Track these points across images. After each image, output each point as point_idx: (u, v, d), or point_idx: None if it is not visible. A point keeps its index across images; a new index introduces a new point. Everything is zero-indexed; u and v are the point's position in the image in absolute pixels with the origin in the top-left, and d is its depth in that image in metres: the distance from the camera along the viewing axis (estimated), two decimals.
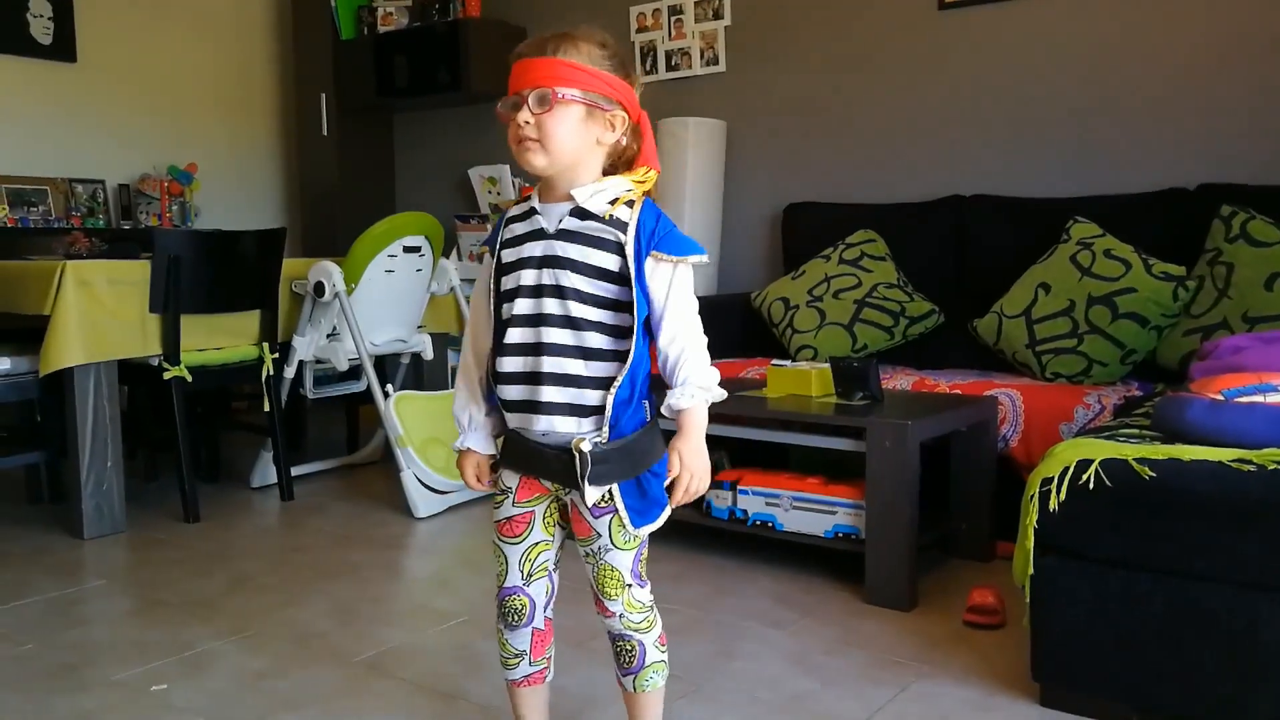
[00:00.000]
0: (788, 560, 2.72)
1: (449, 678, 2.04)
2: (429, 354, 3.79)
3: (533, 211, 1.42)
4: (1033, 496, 1.79)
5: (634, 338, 1.36)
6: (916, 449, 2.36)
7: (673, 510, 1.46)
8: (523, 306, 1.39)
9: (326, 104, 5.34)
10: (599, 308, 1.37)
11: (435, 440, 3.29)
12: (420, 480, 3.23)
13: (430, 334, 3.82)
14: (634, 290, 1.35)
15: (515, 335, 1.39)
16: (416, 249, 3.56)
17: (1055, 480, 1.77)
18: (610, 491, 1.39)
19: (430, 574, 2.80)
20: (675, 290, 1.38)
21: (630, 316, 1.36)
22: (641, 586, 1.50)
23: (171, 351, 3.12)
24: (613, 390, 1.35)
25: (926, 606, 2.38)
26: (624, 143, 1.42)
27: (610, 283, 1.36)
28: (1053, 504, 1.76)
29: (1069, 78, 3.58)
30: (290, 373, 3.52)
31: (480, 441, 1.53)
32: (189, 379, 3.16)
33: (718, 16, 4.38)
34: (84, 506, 3.01)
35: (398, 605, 2.49)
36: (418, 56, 5.03)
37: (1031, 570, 1.81)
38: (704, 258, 1.40)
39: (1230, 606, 1.64)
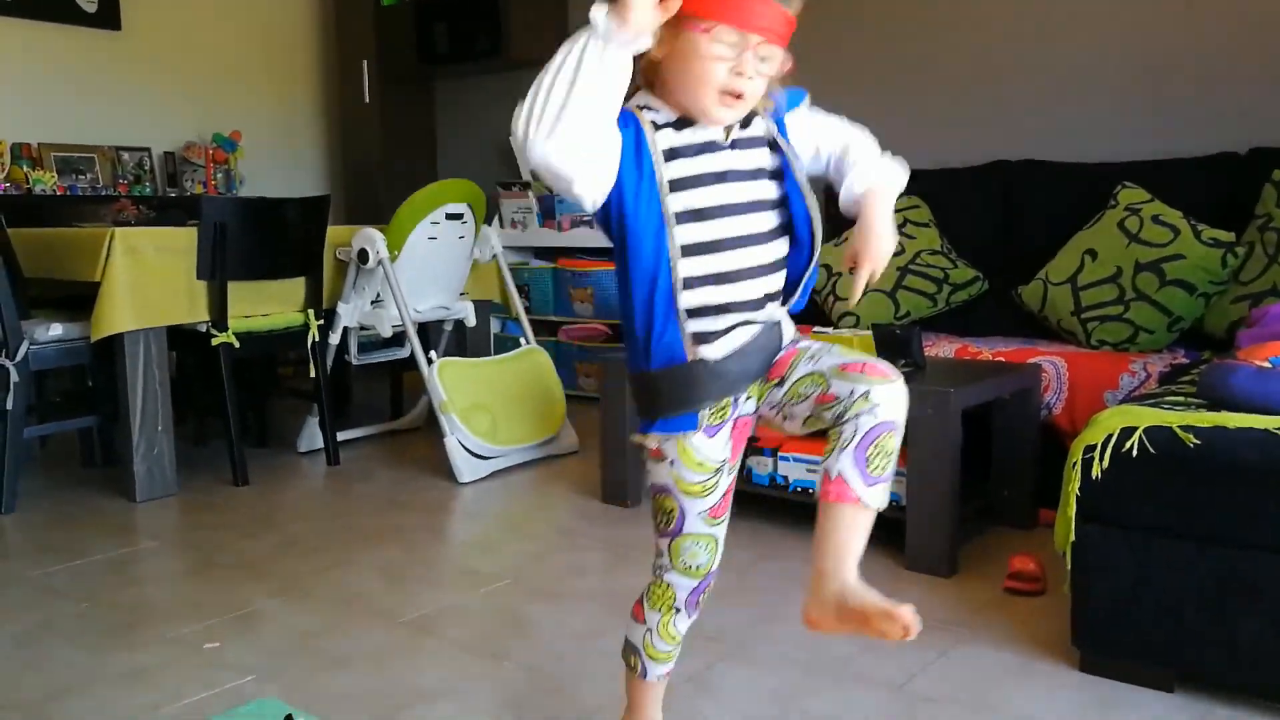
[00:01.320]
0: None
1: (495, 639, 2.08)
2: (472, 320, 3.82)
3: (686, 123, 1.23)
4: (1075, 464, 1.79)
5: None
6: (958, 416, 2.35)
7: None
8: (723, 228, 1.24)
9: (368, 71, 5.36)
10: (774, 210, 1.29)
11: (479, 406, 3.33)
12: (464, 445, 3.27)
13: (473, 301, 3.85)
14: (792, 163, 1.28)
15: (717, 261, 1.25)
16: (459, 216, 3.58)
17: (1098, 447, 1.76)
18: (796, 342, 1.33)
19: (474, 538, 2.84)
20: (814, 121, 1.34)
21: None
22: None
23: (219, 318, 3.18)
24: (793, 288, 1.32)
25: (967, 573, 2.38)
26: None
27: (774, 180, 1.29)
28: (1095, 471, 1.75)
29: (1116, 41, 3.51)
30: (335, 339, 3.57)
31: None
32: (237, 345, 3.21)
33: None
34: (136, 470, 3.08)
35: (443, 568, 2.53)
36: (458, 23, 5.03)
37: (1073, 537, 1.81)
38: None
39: (1274, 574, 1.63)
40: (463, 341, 3.97)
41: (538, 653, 2.01)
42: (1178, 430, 1.70)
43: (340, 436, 3.67)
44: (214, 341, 3.18)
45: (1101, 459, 1.75)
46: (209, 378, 3.48)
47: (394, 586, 2.38)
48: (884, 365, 1.22)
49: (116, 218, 3.99)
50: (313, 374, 3.49)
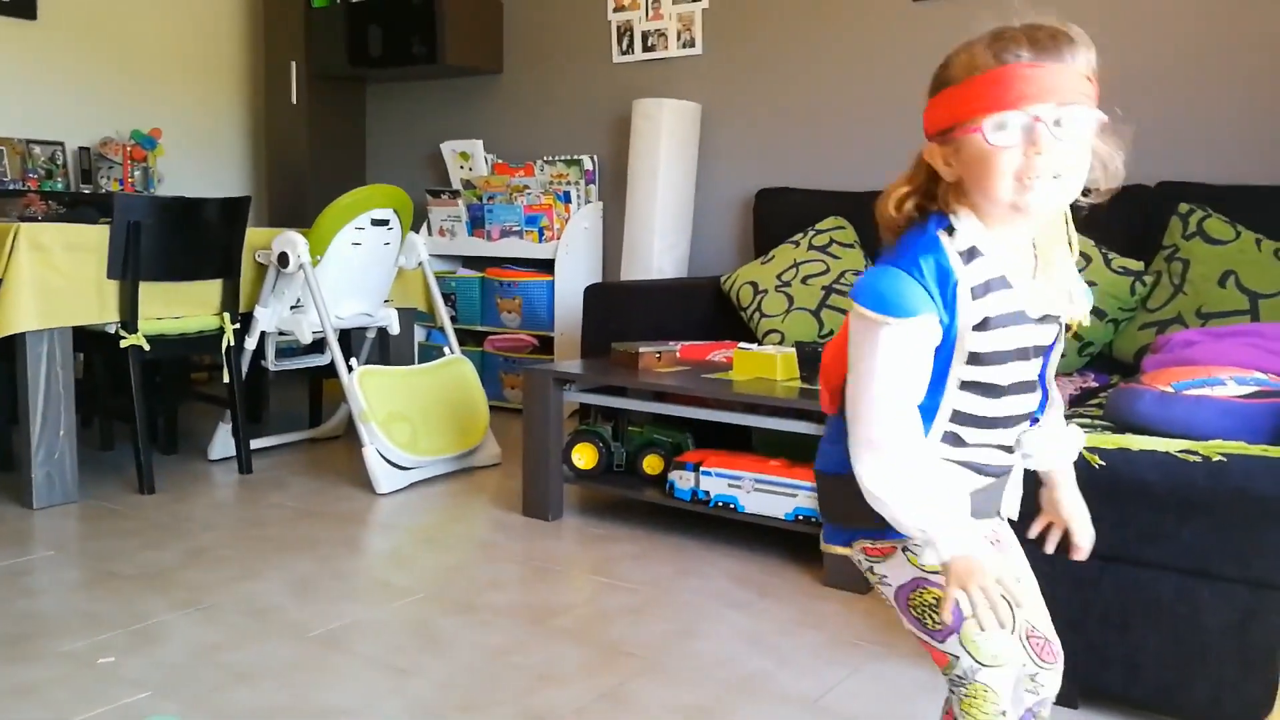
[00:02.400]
0: (749, 541, 2.74)
1: (406, 654, 2.04)
2: (395, 329, 3.77)
3: (1006, 283, 1.09)
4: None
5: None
6: None
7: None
8: (1020, 404, 1.15)
9: (296, 72, 5.27)
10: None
11: (399, 415, 3.28)
12: (383, 455, 3.21)
13: (398, 309, 3.80)
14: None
15: (1000, 434, 1.16)
16: (385, 222, 3.53)
17: None
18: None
19: (389, 550, 2.79)
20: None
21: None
22: None
23: (129, 319, 3.08)
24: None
25: None
26: None
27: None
28: None
29: None
30: (251, 344, 3.49)
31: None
32: (147, 347, 3.12)
33: None
34: (34, 475, 2.96)
35: (356, 581, 2.48)
36: (392, 27, 4.97)
37: None
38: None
39: (1174, 593, 1.68)
40: (386, 349, 3.91)
41: (449, 668, 1.97)
42: (1084, 452, 1.73)
43: (255, 444, 3.58)
44: (123, 343, 3.08)
45: None
46: (117, 381, 3.38)
47: (304, 599, 2.33)
48: (1058, 644, 1.25)
49: (23, 213, 3.85)
50: (226, 379, 3.40)
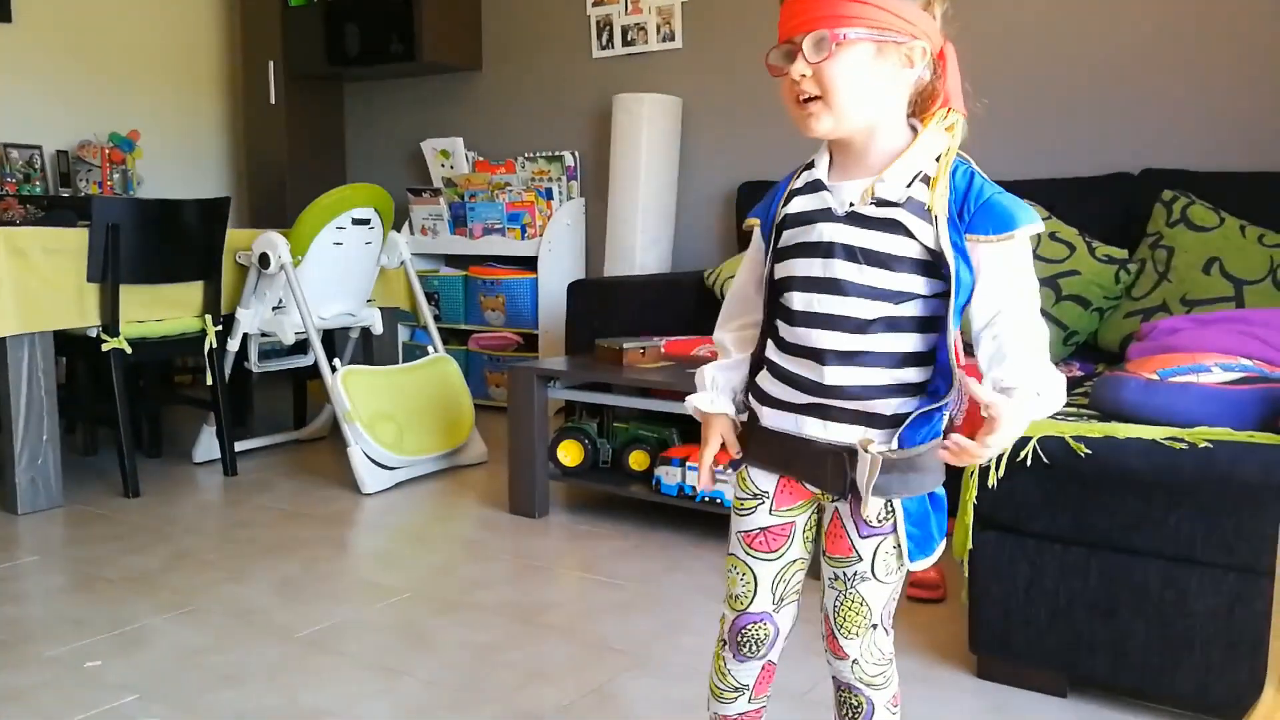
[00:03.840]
0: None
1: (393, 654, 2.03)
2: (378, 328, 3.75)
3: (818, 185, 1.16)
4: (972, 473, 1.82)
5: (945, 337, 1.10)
6: None
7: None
8: (802, 302, 1.14)
9: (275, 72, 5.24)
10: (900, 304, 1.11)
11: (384, 415, 3.26)
12: (368, 456, 3.20)
13: (380, 308, 3.78)
14: (950, 281, 1.08)
15: (793, 334, 1.16)
16: (366, 221, 3.51)
17: (994, 456, 1.79)
18: (891, 507, 1.15)
19: (375, 550, 2.78)
20: (997, 278, 1.08)
21: (941, 306, 1.10)
22: (887, 633, 1.24)
23: (110, 322, 3.06)
24: (905, 399, 1.12)
25: None
26: (925, 79, 1.15)
27: (918, 274, 1.10)
28: (991, 480, 1.78)
29: (1017, 63, 3.61)
30: (234, 346, 3.46)
31: (728, 404, 1.27)
32: (128, 351, 3.10)
33: None
34: (18, 481, 2.94)
35: (342, 581, 2.47)
36: (370, 25, 4.94)
37: (971, 545, 1.84)
38: (1036, 226, 1.08)
39: (1161, 579, 1.68)
40: (369, 349, 3.89)
41: (437, 667, 1.96)
42: (1070, 440, 1.74)
43: (239, 446, 3.56)
44: (104, 347, 3.06)
45: (997, 468, 1.78)
46: (99, 385, 3.35)
47: (290, 601, 2.31)
48: (846, 647, 1.22)
49: (1, 217, 3.81)
50: (209, 381, 3.38)
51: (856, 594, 1.20)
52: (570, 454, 2.95)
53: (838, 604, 1.22)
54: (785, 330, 1.17)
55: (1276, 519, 1.55)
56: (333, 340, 3.84)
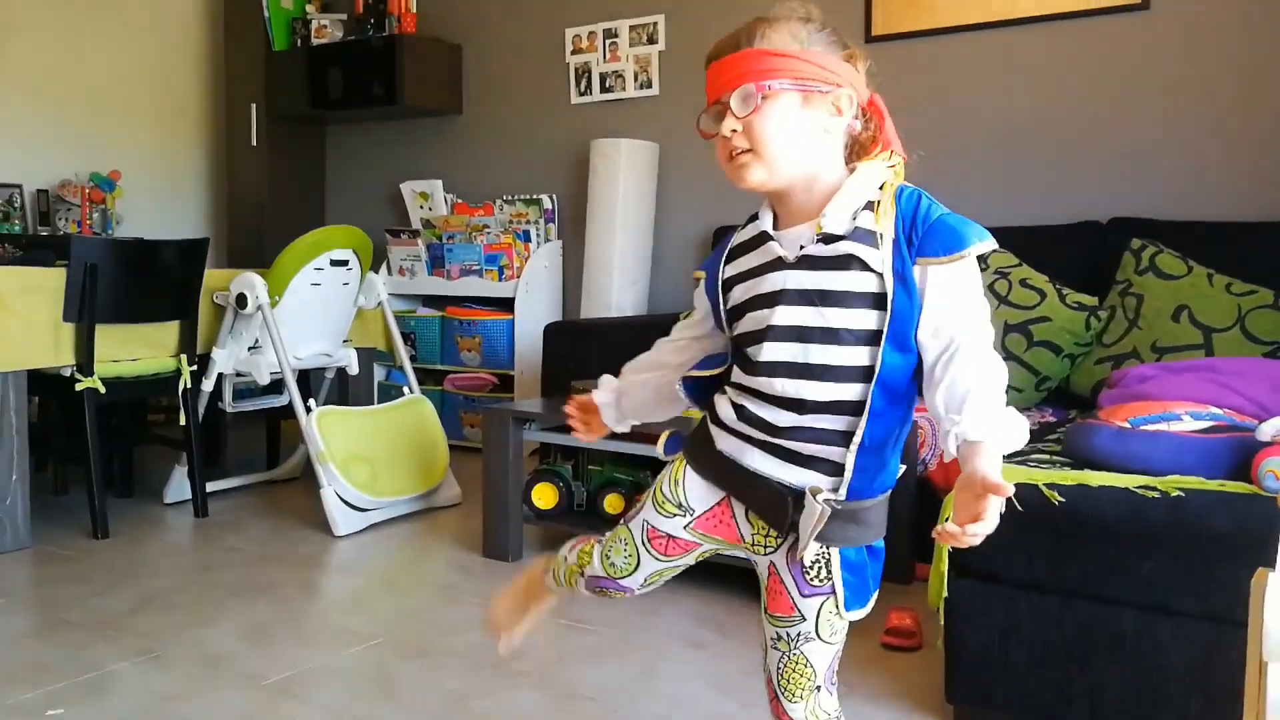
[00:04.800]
0: (712, 581, 2.72)
1: (362, 701, 2.00)
2: (354, 369, 3.73)
3: (764, 238, 1.17)
4: (947, 519, 1.82)
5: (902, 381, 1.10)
6: None
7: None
8: (763, 353, 1.13)
9: (256, 114, 5.26)
10: (859, 346, 1.09)
11: (358, 456, 3.24)
12: (341, 497, 3.17)
13: (357, 348, 3.77)
14: (895, 314, 1.07)
15: (753, 382, 1.16)
16: (344, 262, 3.51)
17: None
18: (828, 558, 1.16)
19: (347, 594, 2.74)
20: (949, 302, 1.06)
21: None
22: (831, 693, 1.24)
23: (85, 362, 3.03)
24: (861, 448, 1.10)
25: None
26: (857, 127, 1.16)
27: (875, 309, 1.08)
28: None
29: (988, 113, 3.67)
30: (209, 386, 3.44)
31: (612, 414, 1.38)
32: (102, 390, 3.07)
33: (652, 41, 4.42)
34: None
35: (312, 626, 2.43)
36: (352, 70, 4.98)
37: (946, 593, 1.84)
38: (988, 244, 1.07)
39: (1136, 628, 1.68)
40: (344, 389, 3.87)
41: (407, 715, 1.94)
42: (1043, 488, 1.74)
43: (211, 487, 3.52)
44: (78, 386, 3.03)
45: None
46: (72, 424, 3.31)
47: (259, 646, 2.28)
48: (787, 709, 1.24)
49: None
50: (183, 421, 3.35)
51: (801, 655, 1.20)
52: (545, 497, 2.93)
53: (781, 665, 1.22)
54: (746, 379, 1.18)
55: (1249, 569, 1.56)
56: (308, 380, 3.82)
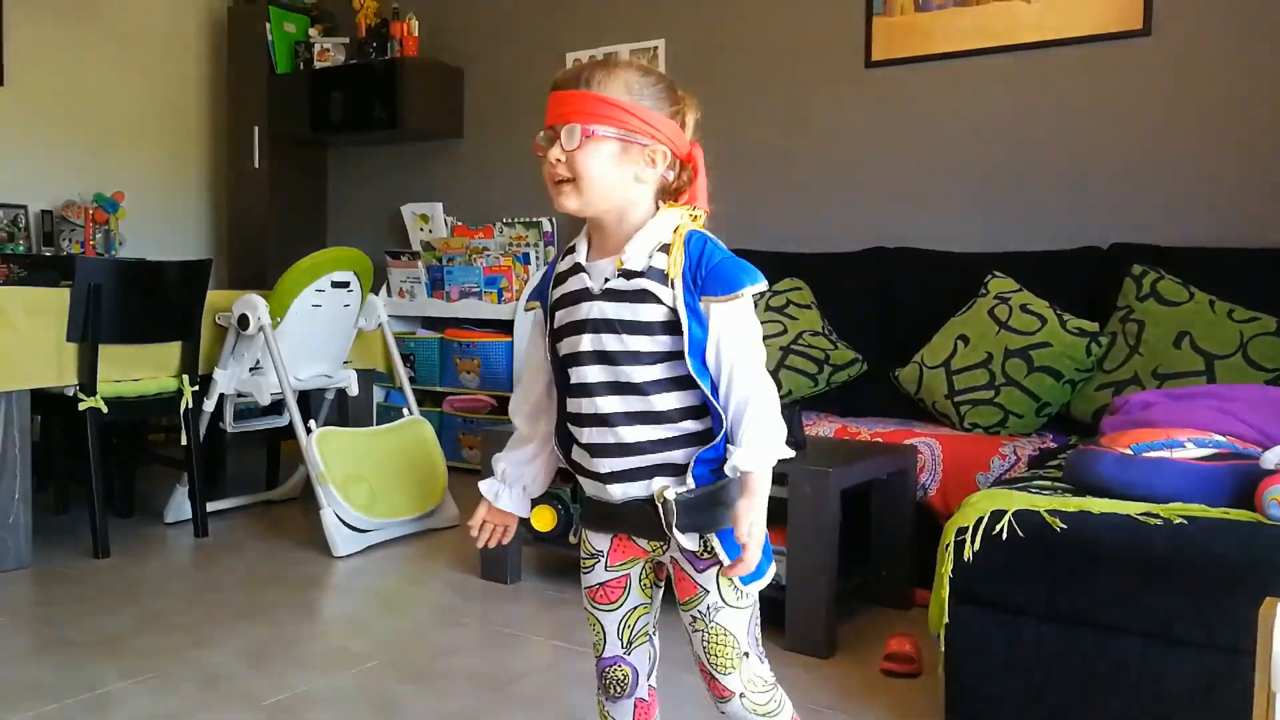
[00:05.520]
0: None
1: None
2: (354, 390, 3.74)
3: (578, 268, 1.30)
4: (948, 546, 1.82)
5: (703, 387, 1.23)
6: (837, 496, 2.39)
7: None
8: (580, 375, 1.27)
9: (259, 137, 5.29)
10: (663, 363, 1.24)
11: (357, 477, 3.24)
12: (340, 518, 3.17)
13: (357, 370, 3.77)
14: (690, 340, 1.22)
15: (578, 405, 1.28)
16: (345, 284, 3.52)
17: (970, 530, 1.80)
18: (709, 541, 1.25)
19: (347, 614, 2.74)
20: (726, 334, 1.22)
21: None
22: (761, 660, 1.32)
23: (87, 381, 3.04)
24: (694, 448, 1.24)
25: (845, 654, 2.39)
26: (669, 178, 1.30)
27: (670, 334, 1.23)
28: (967, 553, 1.79)
29: (990, 139, 3.70)
30: (210, 406, 3.44)
31: (512, 501, 1.43)
32: (105, 410, 3.07)
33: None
34: None
35: (312, 647, 2.43)
36: (354, 93, 5.02)
37: (946, 619, 1.84)
38: (759, 286, 1.23)
39: (1138, 657, 1.68)
40: (344, 410, 3.88)
41: None
42: (1045, 515, 1.75)
43: (211, 507, 3.52)
44: (81, 406, 3.03)
45: (973, 541, 1.78)
46: (74, 443, 3.31)
47: (258, 667, 2.27)
48: (724, 684, 1.29)
49: None
50: (184, 441, 3.35)
51: (718, 626, 1.28)
52: (543, 519, 2.93)
53: (705, 643, 1.30)
54: (573, 403, 1.29)
55: (1253, 597, 1.56)
56: (308, 401, 3.83)
